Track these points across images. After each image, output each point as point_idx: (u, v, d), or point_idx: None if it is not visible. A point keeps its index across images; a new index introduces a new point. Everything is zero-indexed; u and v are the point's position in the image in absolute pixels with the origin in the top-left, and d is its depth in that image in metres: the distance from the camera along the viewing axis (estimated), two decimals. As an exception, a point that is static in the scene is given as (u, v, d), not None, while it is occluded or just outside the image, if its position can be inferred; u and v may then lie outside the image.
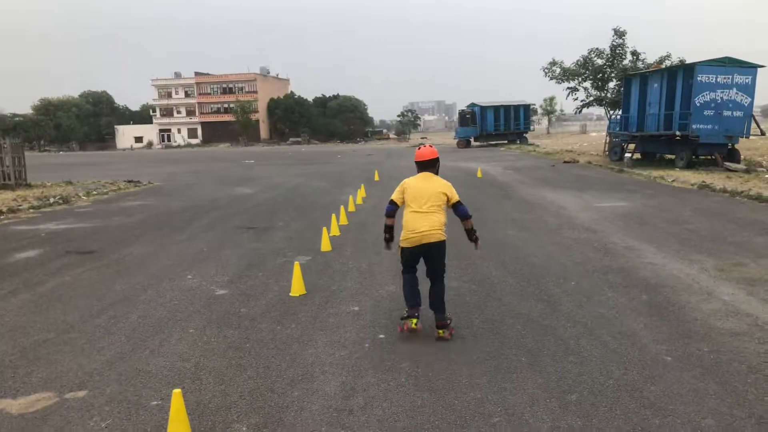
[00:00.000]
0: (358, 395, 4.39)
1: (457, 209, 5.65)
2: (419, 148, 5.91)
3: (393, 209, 5.78)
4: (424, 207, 5.53)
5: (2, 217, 14.58)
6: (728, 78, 21.38)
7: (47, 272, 8.60)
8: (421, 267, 5.68)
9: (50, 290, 7.59)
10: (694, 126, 21.49)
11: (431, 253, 5.62)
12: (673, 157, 23.89)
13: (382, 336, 5.60)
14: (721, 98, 21.48)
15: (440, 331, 5.57)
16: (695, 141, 21.81)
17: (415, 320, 5.67)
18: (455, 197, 5.65)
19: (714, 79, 21.32)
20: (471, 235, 5.85)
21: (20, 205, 16.02)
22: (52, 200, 17.29)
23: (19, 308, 6.84)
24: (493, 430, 3.84)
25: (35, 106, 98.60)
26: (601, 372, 4.67)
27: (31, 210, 15.78)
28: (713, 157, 22.27)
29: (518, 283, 7.35)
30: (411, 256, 5.67)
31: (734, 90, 21.49)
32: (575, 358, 4.95)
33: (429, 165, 5.79)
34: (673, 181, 18.78)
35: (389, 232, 5.90)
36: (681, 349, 5.08)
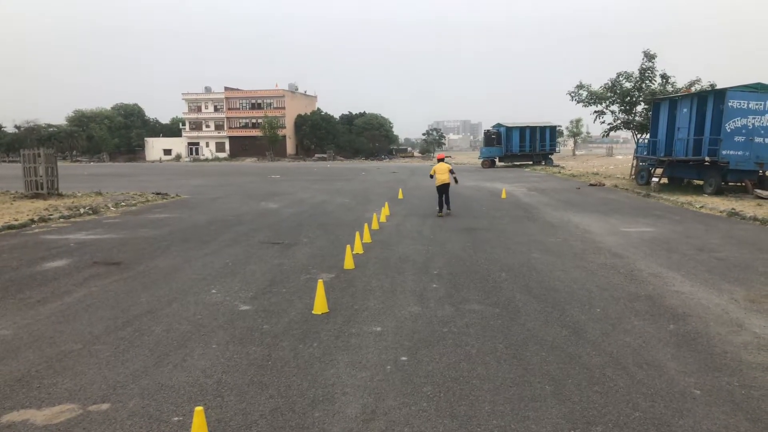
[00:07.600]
0: (379, 419, 4.36)
1: (451, 172, 16.80)
2: (439, 155, 18.51)
3: (431, 175, 17.05)
4: (441, 172, 16.68)
5: (34, 226, 14.91)
6: (760, 104, 21.06)
7: (75, 282, 8.75)
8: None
9: (77, 301, 7.71)
10: (723, 152, 21.17)
11: (445, 189, 16.75)
12: (701, 182, 23.55)
13: (404, 358, 5.57)
14: (753, 124, 21.15)
15: (448, 211, 16.93)
16: (725, 167, 21.50)
17: (442, 213, 16.71)
18: (449, 167, 16.87)
19: (746, 105, 21.01)
20: (455, 180, 17.08)
21: (51, 215, 16.36)
22: (82, 210, 17.61)
23: (47, 318, 6.95)
24: (516, 460, 3.78)
25: (69, 117, 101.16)
26: (627, 404, 4.57)
27: (61, 219, 16.11)
28: (743, 183, 21.89)
29: (543, 308, 7.27)
30: (438, 191, 16.79)
31: (767, 116, 21.15)
32: (600, 388, 4.86)
33: (442, 161, 17.45)
34: (701, 207, 18.47)
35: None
36: (710, 383, 4.96)
